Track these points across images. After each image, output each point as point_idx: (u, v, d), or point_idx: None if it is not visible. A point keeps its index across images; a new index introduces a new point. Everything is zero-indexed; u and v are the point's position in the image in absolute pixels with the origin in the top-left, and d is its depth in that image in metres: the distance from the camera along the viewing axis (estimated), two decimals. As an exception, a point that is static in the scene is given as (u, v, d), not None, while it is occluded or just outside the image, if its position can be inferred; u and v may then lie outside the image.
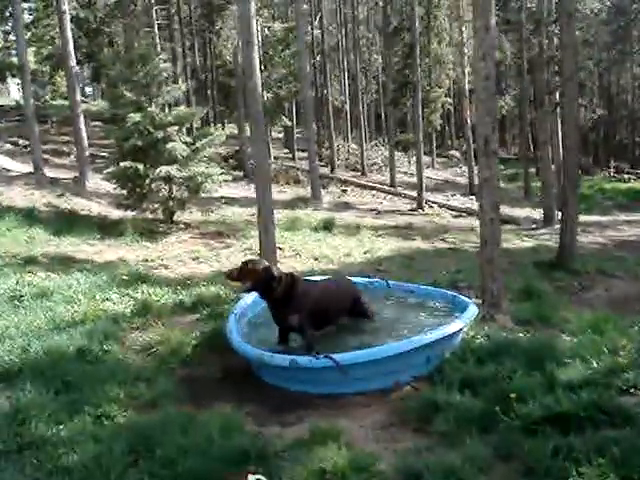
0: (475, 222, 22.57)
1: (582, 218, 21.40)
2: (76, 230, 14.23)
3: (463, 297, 7.26)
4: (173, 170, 14.79)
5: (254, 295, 7.31)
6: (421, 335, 5.84)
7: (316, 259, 14.00)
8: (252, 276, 6.42)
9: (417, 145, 24.80)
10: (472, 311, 6.47)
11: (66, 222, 14.91)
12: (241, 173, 26.94)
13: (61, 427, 5.00)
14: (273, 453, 4.61)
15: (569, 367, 5.67)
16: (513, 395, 4.90)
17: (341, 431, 4.93)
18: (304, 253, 14.33)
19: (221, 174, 16.41)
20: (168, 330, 7.19)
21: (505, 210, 25.30)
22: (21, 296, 8.34)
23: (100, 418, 5.24)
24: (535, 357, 5.97)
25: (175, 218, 16.24)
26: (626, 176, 40.33)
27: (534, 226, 22.21)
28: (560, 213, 22.79)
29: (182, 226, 16.13)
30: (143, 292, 8.71)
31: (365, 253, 15.05)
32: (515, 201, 28.89)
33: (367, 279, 8.24)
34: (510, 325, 8.18)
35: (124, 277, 9.28)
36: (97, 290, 8.72)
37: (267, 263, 6.69)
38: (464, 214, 24.06)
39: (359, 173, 32.11)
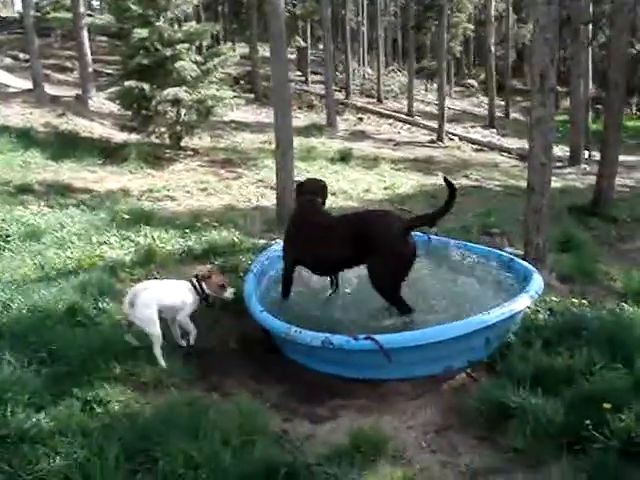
0: (498, 157, 21.86)
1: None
2: (76, 154, 13.18)
3: (522, 262, 6.18)
4: (182, 92, 13.62)
5: (275, 248, 6.30)
6: (481, 314, 4.77)
7: (334, 194, 12.93)
8: None
9: (440, 72, 23.39)
10: (538, 283, 5.40)
11: (65, 145, 13.83)
12: (252, 96, 25.62)
13: (43, 416, 4.02)
14: (305, 467, 3.65)
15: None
16: (608, 405, 3.90)
17: (388, 436, 3.98)
18: (321, 187, 13.24)
19: (233, 97, 15.21)
20: None
21: (525, 145, 24.26)
22: (7, 236, 7.27)
23: (90, 404, 4.25)
24: (612, 340, 4.99)
25: (183, 144, 15.14)
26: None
27: (559, 164, 21.03)
28: (586, 152, 22.22)
29: (190, 152, 15.03)
30: (146, 235, 7.61)
31: (386, 189, 14.06)
32: (536, 136, 27.66)
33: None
34: (556, 284, 7.36)
35: (125, 216, 8.16)
36: (94, 231, 7.62)
37: None
38: (486, 148, 22.88)
39: (375, 100, 30.70)
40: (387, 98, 31.72)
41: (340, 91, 30.29)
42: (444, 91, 23.31)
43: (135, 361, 4.83)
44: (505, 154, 22.28)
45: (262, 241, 7.86)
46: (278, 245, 6.41)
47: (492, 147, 23.02)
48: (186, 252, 7.27)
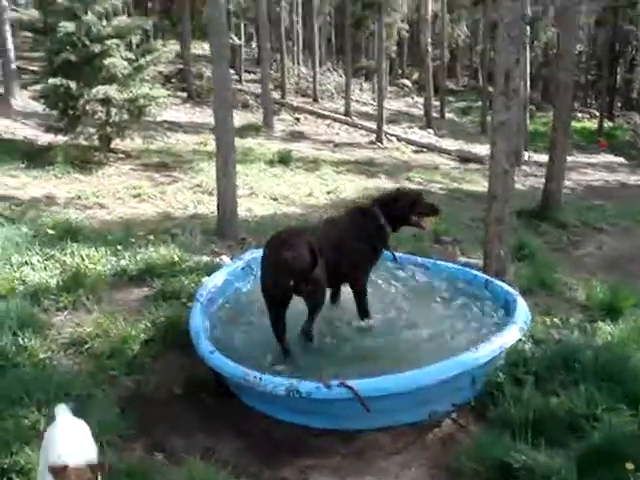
0: (437, 159, 21.46)
1: (542, 158, 20.35)
2: (-4, 158, 12.04)
3: (500, 283, 5.57)
4: (112, 91, 12.63)
5: (225, 272, 5.58)
6: (469, 352, 4.14)
7: (275, 199, 12.31)
8: None
9: (379, 72, 22.84)
10: (524, 310, 4.80)
11: (-17, 148, 12.68)
12: (185, 95, 24.64)
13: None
14: None
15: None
16: (630, 466, 3.31)
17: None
18: (261, 192, 12.57)
19: (167, 96, 14.35)
20: (107, 316, 5.31)
21: (464, 147, 24.10)
22: None
23: (8, 474, 3.47)
24: (607, 373, 4.46)
25: (113, 145, 14.11)
26: (579, 114, 39.10)
27: (499, 166, 20.72)
28: (526, 153, 22.02)
29: (121, 155, 14.04)
30: (74, 254, 6.63)
31: (329, 193, 13.40)
32: (472, 136, 27.66)
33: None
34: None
35: (49, 231, 7.23)
36: (13, 249, 6.63)
37: None
38: (425, 150, 22.47)
39: (310, 99, 29.96)
40: (323, 98, 31.04)
41: (275, 90, 29.52)
42: (383, 91, 22.73)
43: (64, 412, 4.06)
44: (445, 155, 21.92)
45: (205, 258, 7.07)
46: (226, 264, 5.67)
47: (431, 148, 22.63)
48: (119, 273, 6.41)
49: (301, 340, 4.82)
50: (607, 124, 33.88)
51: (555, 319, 6.21)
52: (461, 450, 3.78)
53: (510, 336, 4.40)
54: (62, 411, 3.38)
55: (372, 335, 5.01)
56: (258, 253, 5.88)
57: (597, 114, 35.41)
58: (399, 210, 5.38)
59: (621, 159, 26.38)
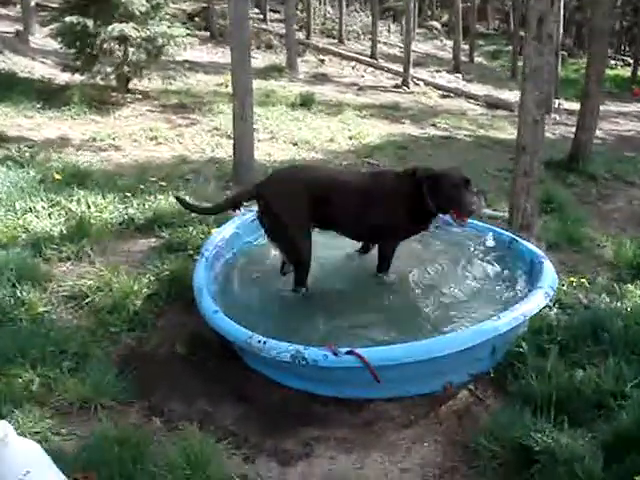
0: (465, 104, 20.88)
1: (573, 106, 19.74)
2: (12, 97, 11.70)
3: (526, 243, 5.22)
4: (129, 29, 12.22)
5: (234, 224, 5.30)
6: (490, 320, 3.84)
7: (295, 144, 11.93)
8: None
9: (407, 12, 22.11)
10: (551, 274, 4.48)
11: (1, 86, 12.36)
12: (207, 34, 24.10)
13: None
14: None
15: None
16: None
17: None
18: (281, 136, 12.21)
19: (186, 35, 13.90)
20: (110, 268, 5.07)
21: (492, 92, 23.44)
22: None
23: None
24: (638, 343, 4.17)
25: (131, 86, 13.76)
26: (612, 62, 37.98)
27: (528, 113, 20.14)
28: (556, 101, 21.36)
29: (139, 96, 13.69)
30: (80, 201, 6.38)
31: (351, 139, 12.97)
32: (501, 82, 26.92)
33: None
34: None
35: (57, 176, 6.96)
36: (18, 195, 6.36)
37: None
38: (452, 94, 21.85)
39: (336, 41, 29.23)
40: (349, 39, 30.30)
41: (300, 30, 28.83)
42: (411, 33, 22.03)
43: (60, 371, 3.85)
44: (472, 101, 21.30)
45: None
46: (237, 215, 5.38)
47: (458, 93, 21.97)
48: (126, 222, 6.15)
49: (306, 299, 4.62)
50: (641, 72, 32.81)
51: (582, 279, 5.91)
52: (478, 428, 3.51)
53: (535, 303, 4.08)
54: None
55: (389, 295, 4.71)
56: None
57: (631, 61, 34.26)
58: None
59: (655, 109, 25.57)
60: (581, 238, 7.66)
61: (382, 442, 3.52)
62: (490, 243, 5.28)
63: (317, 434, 3.57)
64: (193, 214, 5.95)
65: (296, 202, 4.60)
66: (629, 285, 5.90)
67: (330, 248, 5.17)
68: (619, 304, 5.10)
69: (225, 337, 4.02)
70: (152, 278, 4.98)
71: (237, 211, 4.96)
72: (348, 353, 3.54)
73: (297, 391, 3.90)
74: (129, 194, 6.73)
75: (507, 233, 5.50)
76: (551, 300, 4.46)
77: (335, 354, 3.54)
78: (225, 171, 8.90)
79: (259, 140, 10.85)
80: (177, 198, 5.27)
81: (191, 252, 5.44)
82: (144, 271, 5.12)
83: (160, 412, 3.72)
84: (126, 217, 6.25)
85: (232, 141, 8.99)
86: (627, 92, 28.02)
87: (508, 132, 16.77)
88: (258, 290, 4.76)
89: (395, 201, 4.73)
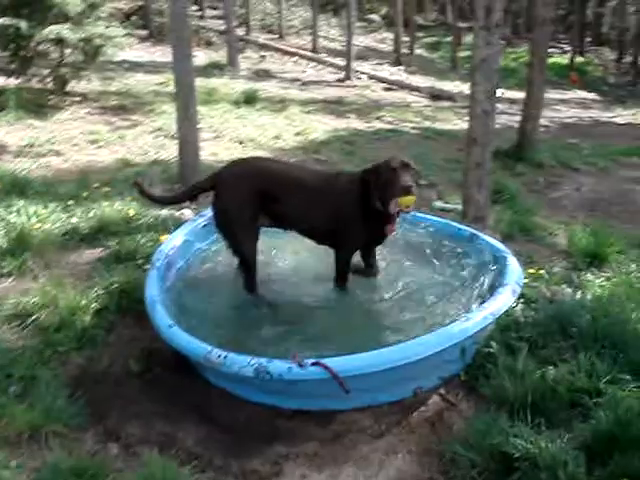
0: (408, 97, 20.85)
1: (514, 95, 19.90)
2: (-58, 104, 11.27)
3: (486, 237, 5.10)
4: (65, 30, 11.85)
5: (184, 231, 5.06)
6: (459, 322, 3.70)
7: (241, 143, 11.70)
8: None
9: (348, 5, 21.90)
10: (517, 269, 4.36)
11: None
12: (145, 32, 23.65)
13: None
14: None
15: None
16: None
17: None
18: (226, 135, 11.97)
19: (124, 35, 13.55)
20: (55, 282, 4.75)
21: (435, 84, 23.48)
22: None
23: None
24: (607, 337, 4.07)
25: (69, 88, 13.34)
26: (549, 50, 38.46)
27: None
28: (498, 90, 21.39)
29: (78, 98, 13.27)
30: (20, 211, 6.03)
31: (297, 135, 12.79)
32: (442, 73, 27.05)
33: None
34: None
35: (-5, 186, 6.63)
36: None
37: None
38: (395, 87, 21.81)
39: (277, 36, 29.03)
40: (289, 34, 30.11)
41: (240, 27, 28.51)
42: (352, 27, 21.86)
43: (6, 397, 3.58)
44: (415, 93, 21.29)
45: (164, 211, 6.50)
46: (188, 219, 5.15)
47: (402, 86, 21.94)
48: (70, 233, 5.82)
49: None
50: (578, 60, 33.31)
51: (541, 270, 5.85)
52: (453, 435, 3.37)
53: (503, 301, 3.94)
54: None
55: (353, 300, 4.54)
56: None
57: (568, 49, 34.77)
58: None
59: (593, 95, 25.96)
60: (533, 227, 7.66)
61: (354, 456, 3.34)
62: (450, 239, 5.14)
63: (285, 451, 3.37)
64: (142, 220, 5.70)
65: (243, 195, 4.42)
66: (588, 275, 5.88)
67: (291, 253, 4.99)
68: (580, 295, 5.03)
69: (182, 353, 3.77)
70: (100, 291, 4.68)
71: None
72: (314, 364, 3.35)
73: (261, 405, 3.69)
74: (72, 202, 6.42)
75: (466, 228, 5.37)
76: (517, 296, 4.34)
77: (300, 366, 3.34)
78: (171, 173, 8.61)
79: (204, 140, 10.56)
80: (136, 183, 5.07)
81: (140, 262, 5.17)
82: (91, 284, 4.81)
83: (117, 437, 3.48)
84: (70, 227, 5.92)
85: (176, 142, 8.74)
86: (566, 79, 28.39)
87: (453, 123, 16.85)
88: (215, 300, 4.52)
89: (345, 203, 4.55)
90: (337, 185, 4.60)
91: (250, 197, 4.41)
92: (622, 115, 21.70)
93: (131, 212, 6.14)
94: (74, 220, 6.03)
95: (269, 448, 3.40)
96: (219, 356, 3.47)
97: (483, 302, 4.02)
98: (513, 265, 4.40)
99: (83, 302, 4.48)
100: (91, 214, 6.12)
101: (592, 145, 15.67)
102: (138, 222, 5.98)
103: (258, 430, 3.54)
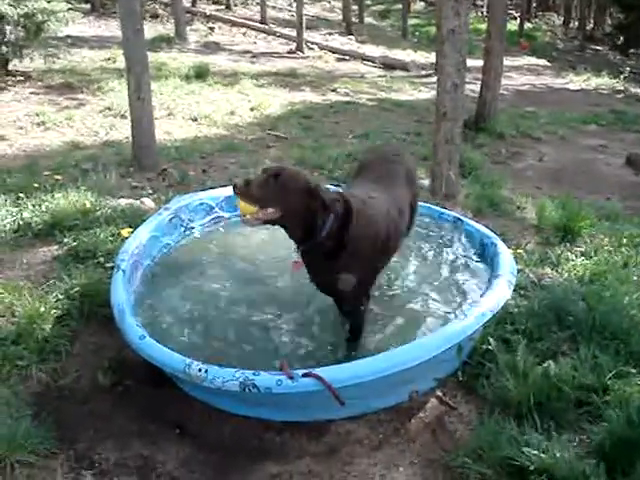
0: (362, 67, 20.51)
1: (469, 63, 19.65)
2: None
3: (472, 222, 4.83)
4: (4, 6, 11.22)
5: (149, 226, 4.67)
6: (457, 321, 3.44)
7: (195, 120, 11.32)
8: (286, 199, 3.40)
9: (296, -26, 21.40)
10: (510, 260, 4.08)
11: None
12: (88, 6, 22.83)
13: None
14: None
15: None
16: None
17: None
18: (178, 112, 11.55)
19: (68, 10, 12.93)
20: (10, 287, 4.32)
21: (387, 53, 23.16)
22: None
23: None
24: (605, 326, 3.89)
25: (10, 67, 12.71)
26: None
27: (423, 72, 20.08)
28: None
29: (21, 78, 12.64)
30: None
31: (252, 110, 12.41)
32: (393, 41, 26.73)
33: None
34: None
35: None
36: None
37: (310, 179, 3.52)
38: (347, 57, 21.46)
39: (224, 7, 28.37)
40: (237, 5, 29.46)
41: (185, -3, 27.79)
42: (303, -5, 21.34)
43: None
44: (368, 63, 20.99)
45: (123, 201, 6.10)
46: (149, 211, 4.75)
47: (354, 56, 21.61)
48: (22, 229, 5.33)
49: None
50: (526, 25, 33.28)
51: (519, 250, 5.66)
52: (457, 444, 3.12)
53: (500, 294, 3.67)
54: None
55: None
56: (187, 200, 5.03)
57: (516, 15, 34.66)
58: None
59: (544, 61, 25.92)
60: (501, 201, 7.52)
61: (352, 472, 3.07)
62: (434, 225, 4.87)
63: (276, 470, 3.07)
64: (100, 212, 5.28)
65: None
66: (563, 250, 5.74)
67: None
68: (566, 276, 4.86)
69: (158, 367, 3.42)
70: (60, 295, 4.24)
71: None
72: (305, 376, 3.06)
73: (246, 418, 3.39)
74: (22, 194, 5.94)
75: (450, 212, 5.10)
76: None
77: (291, 378, 3.05)
78: (124, 156, 8.21)
79: (155, 118, 10.14)
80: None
81: (101, 259, 4.75)
82: (50, 288, 4.37)
83: (90, 462, 3.11)
84: (21, 223, 5.42)
85: (128, 122, 8.34)
86: (516, 46, 28.29)
87: (409, 94, 16.67)
88: (189, 302, 4.13)
89: None
90: None
91: None
92: (574, 81, 21.68)
93: (87, 204, 5.65)
94: (26, 215, 5.53)
95: (259, 467, 3.09)
96: (200, 370, 3.13)
97: (481, 295, 3.75)
98: (504, 254, 4.13)
99: (42, 309, 4.03)
100: (44, 207, 5.62)
101: (549, 113, 15.60)
102: (95, 214, 5.50)
103: (246, 446, 3.22)
